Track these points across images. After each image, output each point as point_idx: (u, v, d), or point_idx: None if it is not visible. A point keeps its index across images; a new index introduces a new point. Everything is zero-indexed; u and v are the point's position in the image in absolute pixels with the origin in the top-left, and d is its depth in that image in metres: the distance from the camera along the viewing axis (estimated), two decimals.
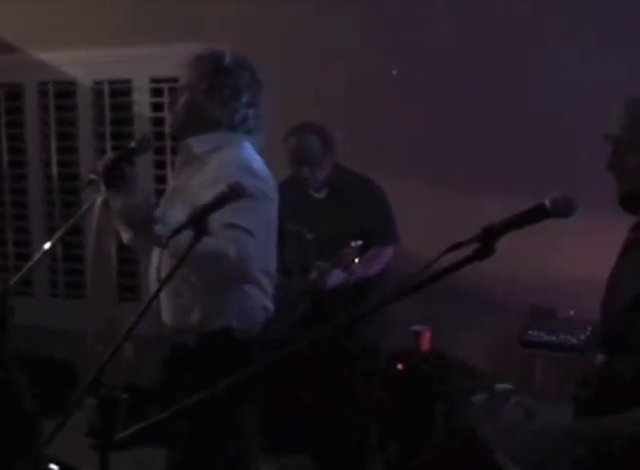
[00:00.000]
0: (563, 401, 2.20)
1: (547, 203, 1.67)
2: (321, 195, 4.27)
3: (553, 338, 4.31)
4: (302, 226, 4.19)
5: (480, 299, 4.63)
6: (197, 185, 2.93)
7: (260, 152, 3.09)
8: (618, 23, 4.43)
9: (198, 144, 3.01)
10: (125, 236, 3.04)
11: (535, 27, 4.58)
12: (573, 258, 4.48)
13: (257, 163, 3.00)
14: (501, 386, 3.21)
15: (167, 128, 4.97)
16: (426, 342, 4.58)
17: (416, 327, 4.58)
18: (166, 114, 5.23)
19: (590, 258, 4.44)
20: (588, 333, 4.30)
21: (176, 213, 2.71)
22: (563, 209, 1.69)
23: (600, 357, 2.10)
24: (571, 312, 4.49)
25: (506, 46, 4.63)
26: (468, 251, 1.68)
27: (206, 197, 2.54)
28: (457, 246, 1.67)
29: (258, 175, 2.92)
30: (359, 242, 3.79)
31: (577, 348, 4.26)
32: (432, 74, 4.79)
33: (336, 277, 3.95)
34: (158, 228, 2.68)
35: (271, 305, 3.09)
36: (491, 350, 4.73)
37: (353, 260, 3.80)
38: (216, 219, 2.54)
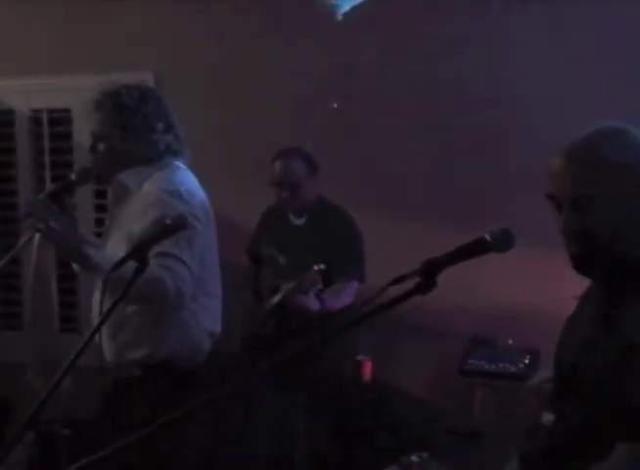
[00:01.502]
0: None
1: (487, 237, 1.70)
2: (300, 221, 4.33)
3: (493, 366, 4.35)
4: (278, 250, 4.25)
5: (421, 328, 4.66)
6: (129, 217, 2.93)
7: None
8: None
9: (128, 178, 3.02)
10: (75, 266, 3.02)
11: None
12: (513, 288, 4.55)
13: (188, 184, 3.00)
14: (414, 457, 3.20)
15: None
16: (368, 371, 4.58)
17: (358, 357, 4.58)
18: None
19: (529, 287, 4.53)
20: (527, 361, 4.35)
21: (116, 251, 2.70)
22: (502, 242, 1.71)
23: (547, 416, 1.96)
24: (510, 341, 4.55)
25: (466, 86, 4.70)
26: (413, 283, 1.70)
27: (139, 227, 2.54)
28: (399, 280, 1.69)
29: (187, 200, 2.92)
30: (322, 266, 3.83)
31: (516, 376, 4.32)
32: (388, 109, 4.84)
33: (309, 300, 3.96)
34: (94, 253, 2.68)
35: (217, 329, 3.09)
36: (433, 378, 4.76)
37: (316, 282, 3.83)
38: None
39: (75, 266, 3.06)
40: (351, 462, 4.20)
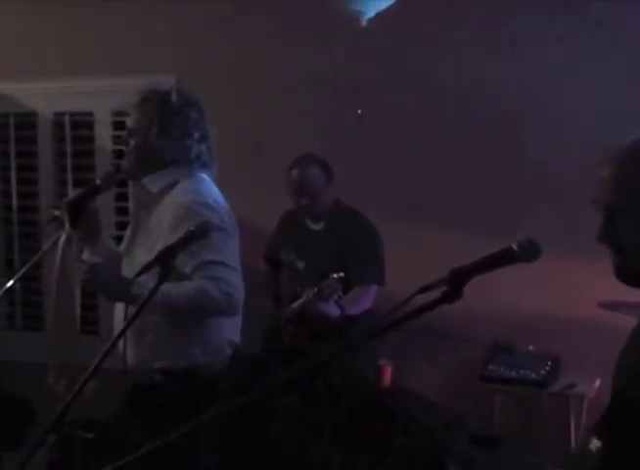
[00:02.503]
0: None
1: (514, 247, 1.69)
2: (318, 226, 4.33)
3: (513, 373, 4.34)
4: (296, 256, 4.25)
5: (441, 334, 4.65)
6: (158, 226, 2.93)
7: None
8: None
9: (152, 183, 3.02)
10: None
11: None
12: (534, 294, 4.53)
13: (214, 195, 3.02)
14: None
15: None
16: (387, 376, 4.57)
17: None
18: None
19: (550, 293, 4.52)
20: (548, 368, 4.34)
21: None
22: (529, 252, 1.70)
23: (594, 443, 1.87)
24: (531, 347, 4.53)
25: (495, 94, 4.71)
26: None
27: (167, 235, 2.55)
28: (425, 289, 1.69)
29: (215, 208, 2.94)
30: (341, 274, 3.82)
31: (537, 382, 4.30)
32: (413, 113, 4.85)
33: (330, 307, 3.96)
34: (134, 288, 2.68)
35: (237, 338, 3.10)
36: (452, 384, 4.75)
37: (335, 290, 3.83)
38: (189, 261, 2.56)
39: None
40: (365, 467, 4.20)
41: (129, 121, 3.08)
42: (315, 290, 3.87)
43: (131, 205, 3.20)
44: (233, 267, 2.83)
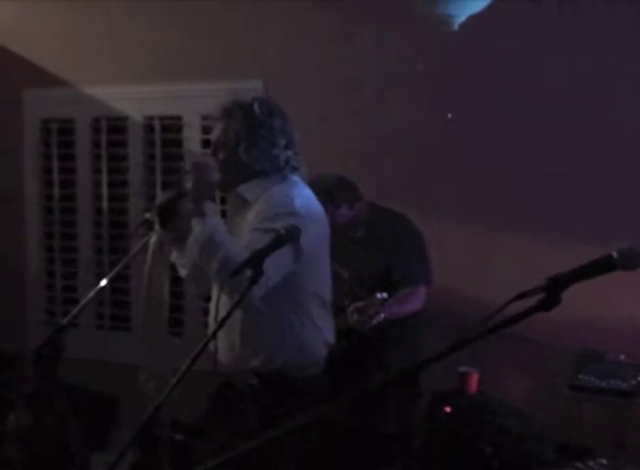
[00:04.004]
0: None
1: (615, 254, 1.65)
2: (358, 234, 4.28)
3: (603, 383, 4.25)
4: (340, 265, 4.18)
5: (528, 341, 4.58)
6: (246, 227, 2.96)
7: None
8: None
9: (248, 191, 3.05)
10: (183, 271, 3.07)
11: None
12: (625, 302, 4.44)
13: (303, 198, 3.02)
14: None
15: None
16: (473, 384, 4.53)
17: (463, 368, 4.53)
18: None
19: None
20: (639, 378, 4.24)
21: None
22: (630, 261, 1.66)
23: None
24: (622, 357, 4.43)
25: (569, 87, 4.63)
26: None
27: (248, 237, 2.57)
28: (522, 296, 1.66)
29: (300, 214, 2.91)
30: (384, 295, 3.79)
31: (628, 393, 4.21)
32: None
33: (372, 324, 3.90)
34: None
35: (332, 339, 3.10)
36: (540, 393, 4.67)
37: (378, 313, 3.79)
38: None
39: (182, 271, 3.11)
40: None
41: (214, 135, 3.11)
42: (359, 306, 3.84)
43: (229, 211, 3.21)
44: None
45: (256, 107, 3.03)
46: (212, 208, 2.95)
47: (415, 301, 4.18)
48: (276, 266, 2.69)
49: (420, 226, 4.29)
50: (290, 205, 2.91)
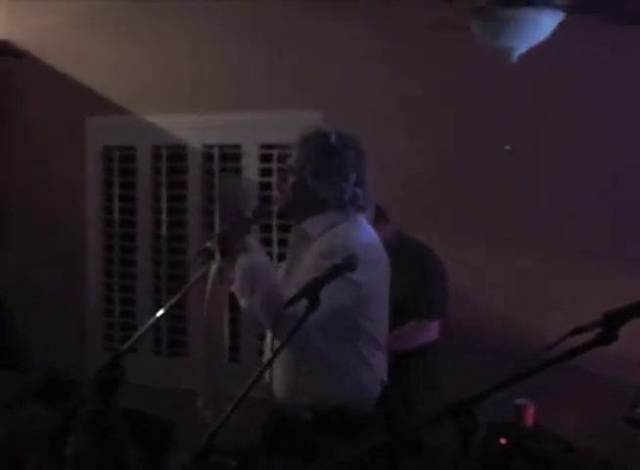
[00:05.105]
0: None
1: None
2: None
3: None
4: None
5: (585, 373, 4.52)
6: (305, 262, 2.99)
7: None
8: None
9: (311, 228, 3.05)
10: (243, 302, 3.09)
11: None
12: None
13: (364, 239, 3.02)
14: None
15: (274, 193, 5.06)
16: (529, 416, 4.48)
17: (519, 401, 4.49)
18: (274, 179, 5.34)
19: None
20: None
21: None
22: None
23: None
24: None
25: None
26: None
27: (311, 272, 2.60)
28: (578, 331, 1.67)
29: (360, 254, 2.89)
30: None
31: None
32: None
33: None
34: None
35: (386, 377, 3.10)
36: (596, 427, 4.61)
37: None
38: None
39: (242, 302, 3.13)
40: None
41: (289, 160, 3.15)
42: None
43: (291, 245, 3.23)
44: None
45: (333, 136, 3.06)
46: (255, 244, 3.01)
47: (420, 335, 4.23)
48: (331, 297, 2.64)
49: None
50: (352, 246, 2.88)
